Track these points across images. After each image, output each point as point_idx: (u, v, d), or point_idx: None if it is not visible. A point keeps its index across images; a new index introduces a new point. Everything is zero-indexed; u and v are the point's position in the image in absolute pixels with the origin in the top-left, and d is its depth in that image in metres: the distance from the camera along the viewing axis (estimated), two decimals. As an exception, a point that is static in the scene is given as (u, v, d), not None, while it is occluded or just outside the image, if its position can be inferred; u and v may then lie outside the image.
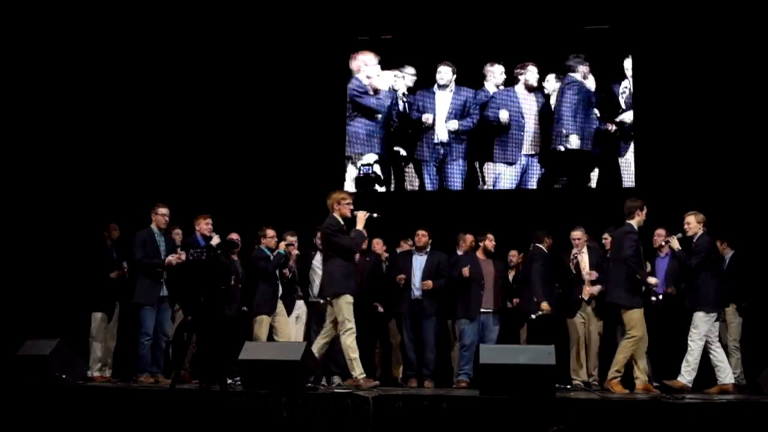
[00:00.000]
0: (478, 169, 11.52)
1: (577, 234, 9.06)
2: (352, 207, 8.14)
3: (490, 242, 9.35)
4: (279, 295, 9.20)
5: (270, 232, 9.21)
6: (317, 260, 9.27)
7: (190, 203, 9.95)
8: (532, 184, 11.43)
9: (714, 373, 8.37)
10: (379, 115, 11.76)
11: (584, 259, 9.03)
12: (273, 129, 11.73)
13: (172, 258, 8.70)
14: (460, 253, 9.70)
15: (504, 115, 11.48)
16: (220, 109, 11.73)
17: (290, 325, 9.23)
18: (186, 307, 8.98)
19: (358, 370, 8.06)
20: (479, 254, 9.39)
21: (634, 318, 8.19)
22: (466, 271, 9.12)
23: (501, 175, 11.50)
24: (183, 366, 8.46)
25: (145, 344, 8.68)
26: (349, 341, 8.02)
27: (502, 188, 11.45)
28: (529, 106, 11.53)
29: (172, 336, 9.11)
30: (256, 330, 9.04)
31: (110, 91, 11.35)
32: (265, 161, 11.68)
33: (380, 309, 9.59)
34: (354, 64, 11.87)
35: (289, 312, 9.28)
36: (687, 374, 8.20)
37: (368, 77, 11.83)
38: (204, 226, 8.90)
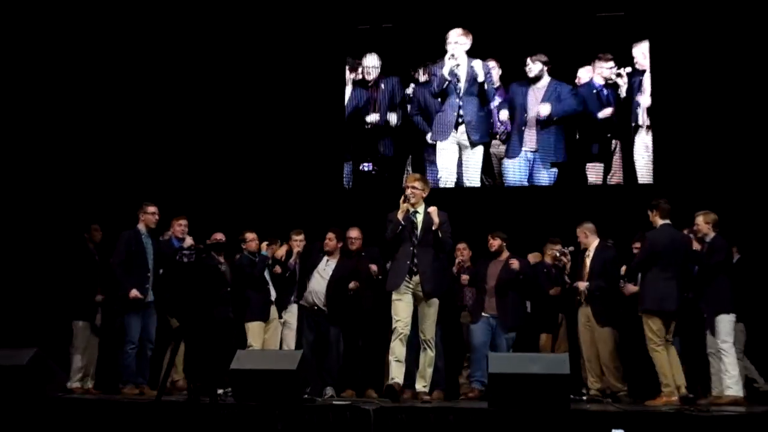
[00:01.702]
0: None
1: (577, 232, 8.81)
2: (407, 193, 7.71)
3: (490, 242, 9.16)
4: (273, 299, 9.03)
5: (250, 236, 9.05)
6: (322, 264, 9.10)
7: (181, 204, 9.74)
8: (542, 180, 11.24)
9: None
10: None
11: (587, 261, 8.71)
12: (269, 125, 11.51)
13: (134, 292, 8.48)
14: None
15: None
16: (211, 104, 11.49)
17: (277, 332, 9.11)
18: (173, 312, 8.74)
19: (389, 374, 7.66)
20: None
21: None
22: (464, 278, 9.09)
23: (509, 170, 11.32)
24: (170, 376, 8.24)
25: (129, 353, 8.46)
26: (392, 344, 7.64)
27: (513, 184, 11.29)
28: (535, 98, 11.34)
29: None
30: (250, 338, 8.83)
31: (91, 85, 11.13)
32: (261, 159, 11.45)
33: None
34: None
35: (279, 315, 9.13)
36: (734, 384, 7.91)
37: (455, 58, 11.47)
38: (177, 228, 8.89)
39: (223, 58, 11.47)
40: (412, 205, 7.67)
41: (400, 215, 7.63)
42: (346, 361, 8.98)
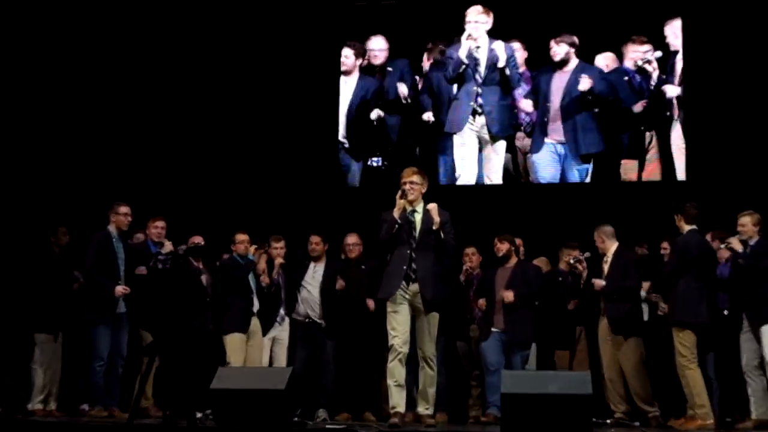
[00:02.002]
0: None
1: (594, 236, 8.19)
2: (405, 188, 7.04)
3: (497, 246, 8.51)
4: (256, 310, 8.44)
5: (240, 237, 8.48)
6: (310, 272, 8.51)
7: (158, 203, 9.33)
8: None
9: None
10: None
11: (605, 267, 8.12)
12: (261, 116, 10.91)
13: (120, 288, 8.05)
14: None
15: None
16: (192, 94, 10.90)
17: (264, 349, 8.51)
18: (147, 325, 8.21)
19: (390, 402, 6.98)
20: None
21: None
22: (482, 303, 8.41)
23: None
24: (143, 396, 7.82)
25: (98, 370, 7.92)
26: (389, 365, 6.93)
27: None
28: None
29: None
30: (229, 352, 8.24)
31: (56, 73, 10.65)
32: (251, 154, 10.86)
33: None
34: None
35: (265, 331, 8.50)
36: None
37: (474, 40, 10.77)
38: (153, 230, 8.42)
39: (207, 44, 10.95)
40: (410, 202, 7.01)
41: (396, 213, 6.97)
42: (342, 381, 8.40)
